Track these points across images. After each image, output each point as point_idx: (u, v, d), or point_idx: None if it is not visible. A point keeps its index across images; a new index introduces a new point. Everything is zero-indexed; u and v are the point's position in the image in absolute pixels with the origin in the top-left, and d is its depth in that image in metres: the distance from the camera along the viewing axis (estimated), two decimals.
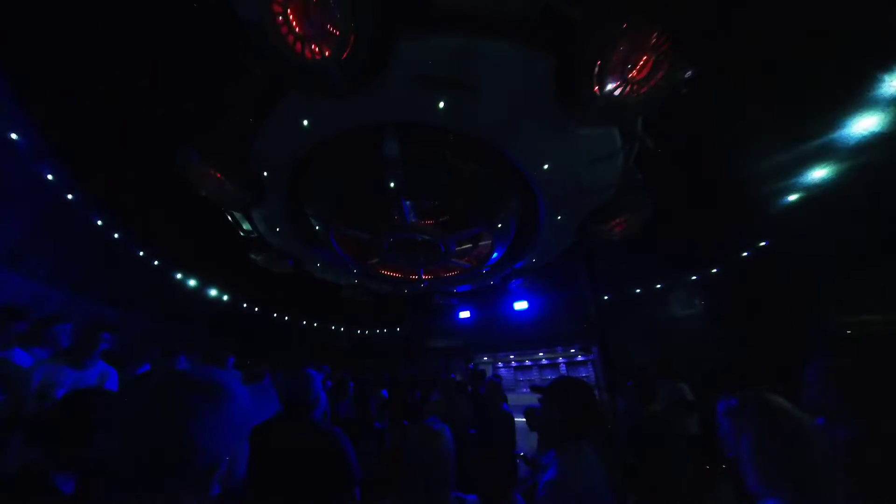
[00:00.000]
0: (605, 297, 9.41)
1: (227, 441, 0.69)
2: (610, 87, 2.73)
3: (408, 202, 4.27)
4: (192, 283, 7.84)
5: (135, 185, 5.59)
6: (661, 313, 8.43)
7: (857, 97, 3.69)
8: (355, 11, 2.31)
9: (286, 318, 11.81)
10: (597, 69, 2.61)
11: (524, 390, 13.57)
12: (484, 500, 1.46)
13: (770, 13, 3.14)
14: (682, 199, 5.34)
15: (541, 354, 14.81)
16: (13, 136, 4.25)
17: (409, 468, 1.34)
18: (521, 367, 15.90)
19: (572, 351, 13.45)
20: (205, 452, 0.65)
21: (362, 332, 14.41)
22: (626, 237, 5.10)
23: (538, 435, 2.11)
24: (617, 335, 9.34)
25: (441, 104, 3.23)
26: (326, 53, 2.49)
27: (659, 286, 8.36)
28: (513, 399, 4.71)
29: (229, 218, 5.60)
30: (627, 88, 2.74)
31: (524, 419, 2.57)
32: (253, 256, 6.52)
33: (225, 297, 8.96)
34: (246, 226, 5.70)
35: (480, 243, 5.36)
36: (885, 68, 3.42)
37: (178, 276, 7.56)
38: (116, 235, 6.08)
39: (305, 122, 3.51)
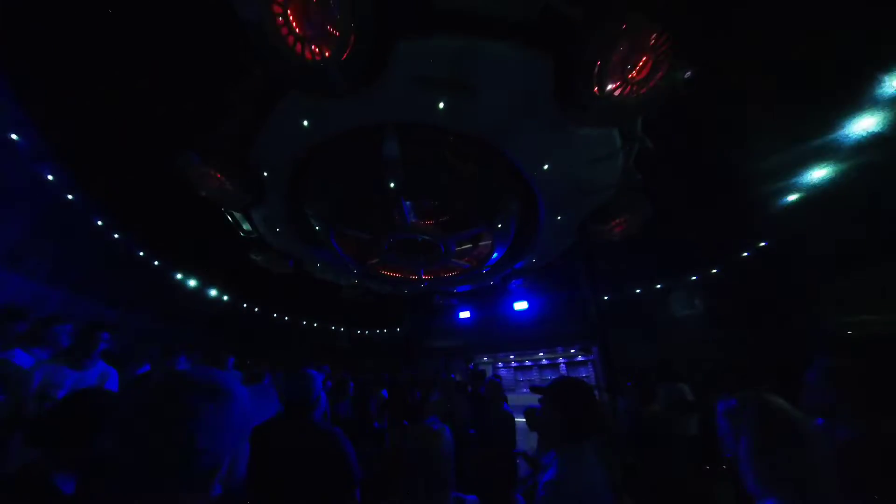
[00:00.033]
0: (605, 298, 9.42)
1: (228, 441, 0.69)
2: (610, 87, 2.73)
3: (408, 202, 4.27)
4: (192, 283, 7.84)
5: (135, 186, 5.60)
6: (661, 313, 8.43)
7: (857, 97, 3.69)
8: (355, 12, 2.31)
9: (286, 318, 11.81)
10: (596, 69, 2.61)
11: (524, 390, 13.57)
12: (484, 501, 1.46)
13: (770, 13, 3.14)
14: (682, 199, 5.35)
15: (541, 354, 14.82)
16: (13, 136, 4.25)
17: (408, 468, 1.34)
18: (521, 368, 15.90)
19: (572, 351, 13.45)
20: (205, 453, 0.65)
21: (362, 332, 14.41)
22: (625, 237, 5.11)
23: (538, 435, 2.11)
24: (617, 335, 9.34)
25: (441, 104, 3.23)
26: (326, 54, 2.49)
27: (659, 286, 8.36)
28: (513, 399, 4.71)
29: (229, 218, 5.60)
30: (627, 89, 2.74)
31: (524, 419, 2.57)
32: (253, 257, 6.52)
33: (225, 298, 8.96)
34: (246, 226, 5.71)
35: (480, 243, 5.36)
36: (886, 68, 3.42)
37: (178, 276, 7.56)
38: (116, 236, 6.08)
39: (305, 123, 3.51)
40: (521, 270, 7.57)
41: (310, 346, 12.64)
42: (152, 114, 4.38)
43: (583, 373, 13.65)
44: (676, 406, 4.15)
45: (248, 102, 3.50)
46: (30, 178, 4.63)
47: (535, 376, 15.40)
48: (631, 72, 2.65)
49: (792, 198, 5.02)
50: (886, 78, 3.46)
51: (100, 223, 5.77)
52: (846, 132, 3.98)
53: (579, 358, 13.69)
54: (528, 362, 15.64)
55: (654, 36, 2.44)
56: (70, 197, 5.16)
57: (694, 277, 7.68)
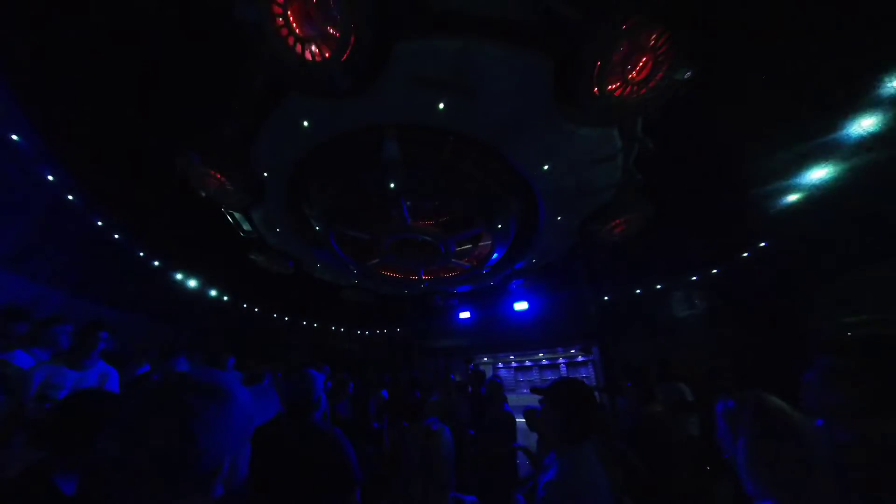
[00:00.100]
0: (606, 298, 9.42)
1: (230, 442, 0.70)
2: (610, 87, 2.73)
3: (408, 203, 4.28)
4: (192, 283, 7.84)
5: (135, 186, 5.60)
6: (661, 314, 8.42)
7: (857, 97, 3.69)
8: (356, 13, 2.31)
9: (286, 318, 11.81)
10: (596, 70, 2.62)
11: (524, 391, 13.57)
12: (485, 501, 1.46)
13: (770, 13, 3.14)
14: (681, 199, 5.35)
15: (541, 355, 14.82)
16: (14, 137, 4.25)
17: (407, 468, 1.34)
18: (521, 368, 15.90)
19: (573, 351, 13.45)
20: (207, 454, 0.65)
21: (362, 332, 14.41)
22: (626, 238, 5.11)
23: (538, 436, 2.11)
24: (617, 335, 9.34)
25: (441, 105, 3.24)
26: (326, 55, 2.50)
27: (659, 286, 8.36)
28: (513, 399, 4.71)
29: (230, 219, 5.61)
30: (627, 89, 2.74)
31: (524, 420, 2.57)
32: (253, 257, 6.53)
33: (225, 298, 8.96)
34: (246, 226, 5.72)
35: (480, 244, 5.37)
36: (886, 68, 3.42)
37: (178, 276, 7.56)
38: (117, 236, 6.08)
39: (305, 123, 3.51)
40: (522, 271, 7.58)
41: (310, 346, 12.64)
42: (153, 114, 4.38)
43: (583, 373, 13.65)
44: (676, 406, 4.15)
45: (249, 103, 3.51)
46: (30, 178, 4.63)
47: (535, 376, 15.40)
48: (631, 72, 2.66)
49: (792, 198, 5.02)
50: (886, 78, 3.46)
51: (100, 223, 5.77)
52: (846, 132, 3.98)
53: (580, 358, 13.69)
54: (528, 362, 15.64)
55: (653, 36, 2.45)
56: (70, 197, 5.16)
57: (694, 277, 7.68)
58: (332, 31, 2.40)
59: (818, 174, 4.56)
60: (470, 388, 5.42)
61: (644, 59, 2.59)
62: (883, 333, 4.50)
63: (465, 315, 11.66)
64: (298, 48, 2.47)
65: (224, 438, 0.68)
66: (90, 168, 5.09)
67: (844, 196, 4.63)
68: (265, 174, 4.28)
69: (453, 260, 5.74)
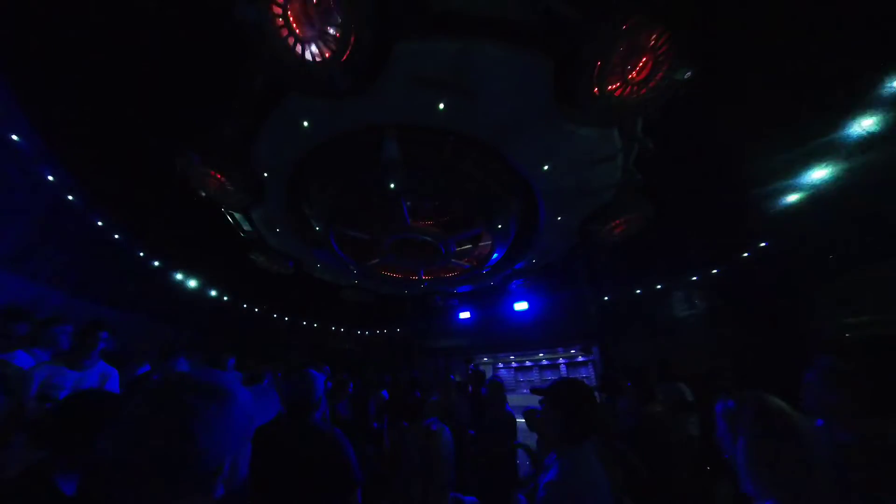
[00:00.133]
0: (606, 298, 9.42)
1: (230, 442, 0.70)
2: (610, 87, 2.73)
3: (408, 203, 4.28)
4: (192, 283, 7.84)
5: (135, 186, 5.60)
6: (661, 314, 8.42)
7: (857, 97, 3.69)
8: (356, 13, 2.31)
9: (286, 318, 11.81)
10: (596, 70, 2.62)
11: (524, 391, 13.57)
12: (485, 502, 1.46)
13: (770, 13, 3.14)
14: (681, 199, 5.35)
15: (541, 355, 14.81)
16: (14, 137, 4.25)
17: (407, 468, 1.34)
18: (521, 368, 15.89)
19: (573, 351, 13.44)
20: (208, 454, 0.65)
21: (362, 332, 14.41)
22: (626, 238, 5.11)
23: (538, 436, 2.11)
24: (617, 335, 9.34)
25: (441, 105, 3.24)
26: (326, 55, 2.50)
27: (659, 287, 8.36)
28: (513, 399, 4.71)
29: (230, 219, 5.61)
30: (627, 89, 2.74)
31: (524, 420, 2.57)
32: (253, 257, 6.53)
33: (225, 298, 8.96)
34: (247, 226, 5.72)
35: (480, 244, 5.37)
36: (886, 68, 3.42)
37: (178, 276, 7.56)
38: (117, 236, 6.08)
39: (305, 123, 3.51)
40: (522, 271, 7.58)
41: (310, 346, 12.64)
42: (153, 114, 4.38)
43: (583, 373, 13.64)
44: (676, 406, 4.15)
45: (249, 103, 3.51)
46: (30, 178, 4.63)
47: (535, 377, 15.39)
48: (631, 72, 2.66)
49: (792, 198, 5.02)
50: (886, 78, 3.46)
51: (100, 223, 5.77)
52: (846, 132, 3.98)
53: (580, 358, 13.68)
54: (528, 363, 15.63)
55: (653, 36, 2.45)
56: (70, 197, 5.16)
57: (694, 277, 7.68)
58: (332, 31, 2.40)
59: (818, 174, 4.56)
60: (470, 389, 5.42)
61: (644, 59, 2.59)
62: (883, 334, 4.50)
63: (465, 315, 11.66)
64: (298, 48, 2.47)
65: (225, 438, 0.68)
66: (90, 168, 5.09)
67: (844, 196, 4.63)
68: (265, 174, 4.28)
69: (453, 260, 5.74)
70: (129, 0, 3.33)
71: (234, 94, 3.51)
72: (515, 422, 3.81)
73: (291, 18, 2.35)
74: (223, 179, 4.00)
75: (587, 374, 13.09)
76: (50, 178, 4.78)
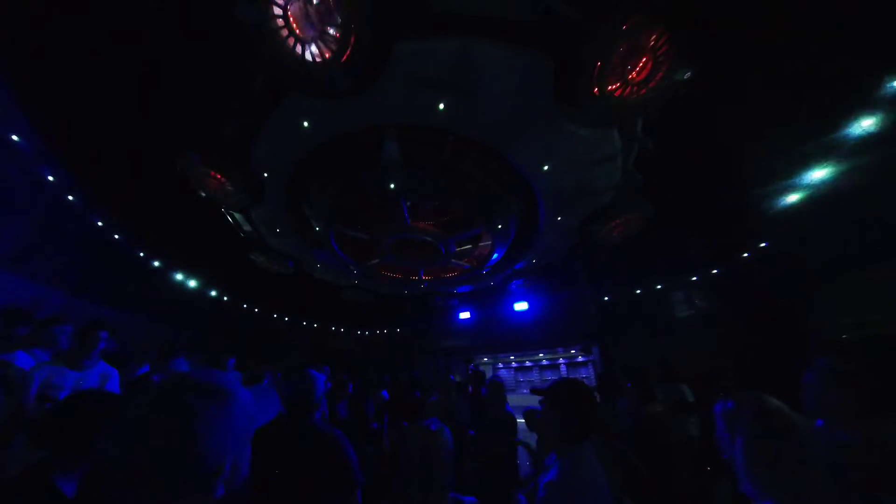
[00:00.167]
0: (606, 298, 9.42)
1: (231, 443, 0.70)
2: (609, 88, 2.73)
3: (408, 203, 4.28)
4: (192, 283, 7.83)
5: (135, 186, 5.60)
6: (661, 314, 8.42)
7: (857, 97, 3.69)
8: (355, 13, 2.31)
9: (286, 318, 11.80)
10: (596, 70, 2.62)
11: (524, 391, 13.57)
12: (484, 501, 1.46)
13: (770, 13, 3.14)
14: (681, 199, 5.35)
15: (541, 355, 14.81)
16: (14, 137, 4.25)
17: (407, 469, 1.34)
18: (521, 368, 15.89)
19: (573, 351, 13.45)
20: (209, 454, 0.65)
21: (362, 332, 14.41)
22: (626, 238, 5.11)
23: (538, 436, 2.11)
24: (617, 335, 9.34)
25: (441, 105, 3.24)
26: (326, 55, 2.50)
27: (659, 287, 8.36)
28: (513, 400, 4.71)
29: (230, 219, 5.61)
30: (627, 89, 2.74)
31: (524, 420, 2.57)
32: (253, 258, 6.53)
33: (225, 298, 8.96)
34: (247, 227, 5.72)
35: (480, 244, 5.37)
36: (886, 68, 3.42)
37: (179, 276, 7.55)
38: (117, 236, 6.08)
39: (305, 124, 3.51)
40: (522, 271, 7.58)
41: (310, 346, 12.63)
42: (153, 114, 4.38)
43: (583, 373, 13.64)
44: (676, 406, 4.16)
45: (248, 103, 3.51)
46: (30, 178, 4.63)
47: (535, 377, 15.39)
48: (631, 72, 2.66)
49: (792, 198, 5.02)
50: (886, 78, 3.46)
51: (100, 224, 5.77)
52: (846, 132, 3.98)
53: (580, 358, 13.68)
54: (528, 363, 15.63)
55: (653, 36, 2.45)
56: (70, 197, 5.16)
57: (694, 278, 7.68)
58: (332, 31, 2.40)
59: (818, 174, 4.56)
60: (470, 389, 5.42)
61: (644, 59, 2.59)
62: (882, 334, 4.50)
63: (465, 315, 11.66)
64: (298, 49, 2.47)
65: (225, 439, 0.69)
66: (90, 168, 5.09)
67: (844, 196, 4.63)
68: (265, 174, 4.28)
69: (453, 260, 5.74)
70: (129, 0, 3.33)
71: (234, 94, 3.51)
72: (516, 422, 3.81)
73: (291, 19, 2.36)
74: (223, 179, 4.00)
75: (587, 375, 13.09)
76: (50, 178, 4.78)
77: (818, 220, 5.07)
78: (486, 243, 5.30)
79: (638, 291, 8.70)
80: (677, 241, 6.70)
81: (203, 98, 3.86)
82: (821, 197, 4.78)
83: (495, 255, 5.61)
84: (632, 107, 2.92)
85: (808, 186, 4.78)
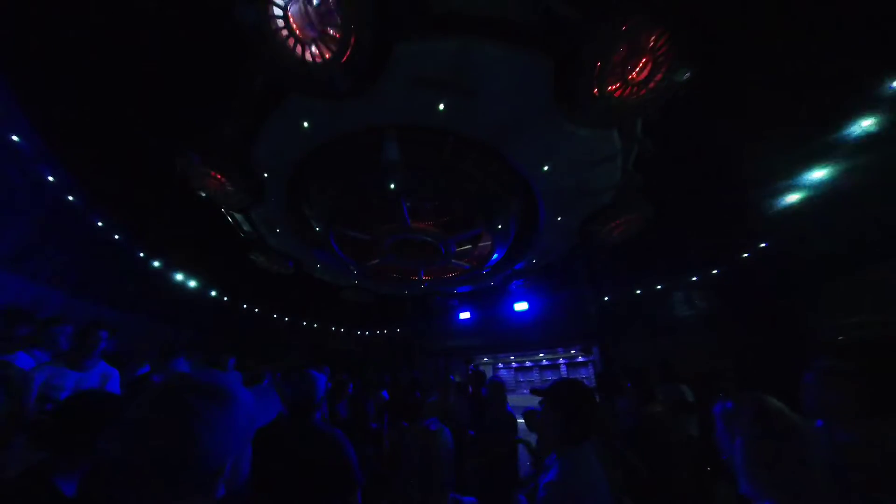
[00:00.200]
0: (606, 298, 9.42)
1: (232, 443, 0.70)
2: (609, 88, 2.73)
3: (408, 203, 4.28)
4: (192, 284, 7.84)
5: (136, 187, 5.60)
6: (661, 314, 8.42)
7: (857, 97, 3.69)
8: (355, 14, 2.31)
9: (286, 318, 11.80)
10: (596, 71, 2.62)
11: (524, 391, 13.57)
12: (485, 502, 1.46)
13: (770, 13, 3.14)
14: (681, 199, 5.35)
15: (541, 355, 14.80)
16: (14, 137, 4.25)
17: (406, 468, 1.34)
18: (521, 368, 15.89)
19: (573, 352, 13.45)
20: (210, 455, 0.65)
21: (362, 332, 14.41)
22: (626, 238, 5.12)
23: (538, 437, 2.11)
24: (617, 336, 9.34)
25: (441, 106, 3.24)
26: (327, 56, 2.50)
27: (659, 287, 8.36)
28: (513, 400, 4.72)
29: (230, 220, 5.61)
30: (627, 90, 2.74)
31: (524, 421, 2.57)
32: (253, 258, 6.54)
33: (225, 298, 8.96)
34: (247, 227, 5.72)
35: (480, 244, 5.37)
36: (885, 68, 3.42)
37: (179, 277, 7.56)
38: (117, 236, 6.08)
39: (305, 124, 3.51)
40: (522, 271, 7.58)
41: (310, 346, 12.63)
42: (153, 114, 4.38)
43: (583, 373, 13.64)
44: (676, 406, 4.16)
45: (248, 103, 3.51)
46: (30, 179, 4.63)
47: (535, 377, 15.39)
48: (631, 73, 2.66)
49: (792, 198, 5.02)
50: (886, 78, 3.46)
51: (100, 224, 5.77)
52: (846, 132, 3.98)
53: (580, 358, 13.68)
54: (528, 363, 15.63)
55: (653, 37, 2.45)
56: (70, 198, 5.16)
57: (694, 278, 7.68)
58: (332, 32, 2.40)
59: (818, 174, 4.56)
60: (470, 389, 5.41)
61: (644, 59, 2.59)
62: (882, 335, 4.50)
63: (465, 315, 11.66)
64: (299, 49, 2.47)
65: (226, 439, 0.69)
66: (90, 168, 5.09)
67: (844, 196, 4.63)
68: (265, 175, 4.28)
69: (453, 260, 5.74)
70: (129, 0, 3.33)
71: (234, 94, 3.51)
72: (516, 421, 3.81)
73: (291, 19, 2.36)
74: (223, 180, 4.00)
75: (587, 375, 13.10)
76: (50, 178, 4.78)
77: (818, 220, 5.07)
78: (486, 243, 5.30)
79: (638, 291, 8.70)
80: (677, 241, 6.70)
81: (203, 98, 3.86)
82: (821, 197, 4.78)
83: (495, 256, 5.61)
84: (632, 107, 2.92)
85: (808, 186, 4.78)
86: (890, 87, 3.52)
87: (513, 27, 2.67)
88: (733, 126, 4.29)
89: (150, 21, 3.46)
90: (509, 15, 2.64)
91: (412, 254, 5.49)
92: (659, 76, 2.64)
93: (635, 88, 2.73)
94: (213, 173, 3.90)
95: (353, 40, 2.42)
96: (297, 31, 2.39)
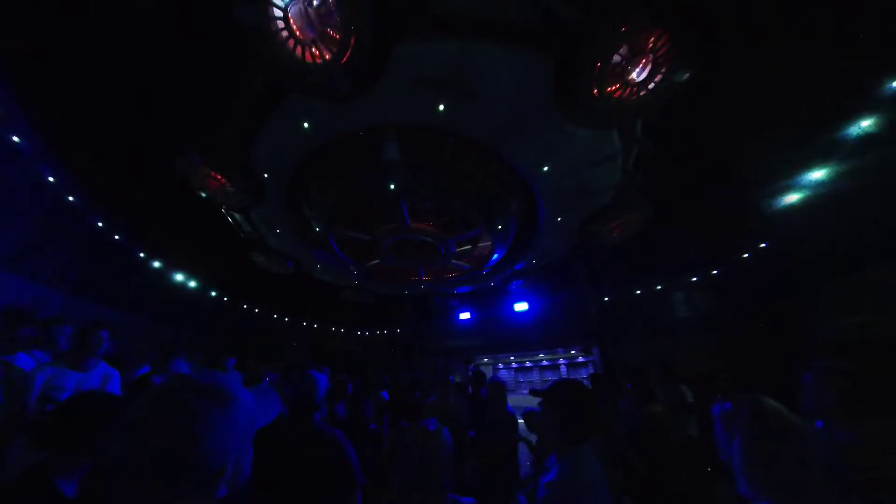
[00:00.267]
0: (606, 299, 9.42)
1: (233, 443, 0.70)
2: (609, 89, 2.73)
3: (407, 203, 4.28)
4: (192, 284, 7.84)
5: (135, 186, 5.60)
6: (661, 314, 8.43)
7: (857, 97, 3.69)
8: (355, 15, 2.31)
9: (286, 318, 11.80)
10: (596, 71, 2.62)
11: (524, 391, 13.57)
12: (484, 502, 1.46)
13: (770, 13, 3.14)
14: (681, 199, 5.35)
15: (541, 355, 14.80)
16: (14, 137, 4.25)
17: (405, 469, 1.34)
18: (521, 369, 15.88)
19: (573, 352, 13.45)
20: (211, 455, 0.65)
21: (362, 333, 14.40)
22: (625, 238, 5.12)
23: (538, 437, 2.11)
24: (617, 336, 9.34)
25: (441, 106, 3.24)
26: (327, 57, 2.50)
27: (659, 287, 8.36)
28: (513, 400, 4.72)
29: (230, 219, 5.61)
30: (626, 90, 2.74)
31: (524, 421, 2.57)
32: (254, 258, 6.54)
33: (225, 298, 8.96)
34: (247, 227, 5.72)
35: (480, 244, 5.37)
36: (885, 68, 3.42)
37: (179, 277, 7.56)
38: (117, 237, 6.08)
39: (306, 124, 3.51)
40: (522, 271, 7.58)
41: (310, 346, 12.63)
42: (153, 114, 4.38)
43: (584, 374, 13.63)
44: (676, 407, 4.16)
45: (248, 103, 3.50)
46: (30, 179, 4.63)
47: (535, 377, 15.39)
48: (630, 73, 2.66)
49: (792, 198, 5.02)
50: (886, 78, 3.46)
51: (100, 224, 5.77)
52: (846, 132, 3.98)
53: (580, 359, 13.68)
54: (528, 363, 15.62)
55: (653, 38, 2.45)
56: (70, 198, 5.16)
57: (694, 278, 7.68)
58: (332, 33, 2.40)
59: (818, 174, 4.56)
60: (470, 389, 5.41)
61: (644, 60, 2.59)
62: (882, 335, 4.50)
63: (465, 316, 11.66)
64: (299, 50, 2.47)
65: (227, 440, 0.69)
66: (90, 168, 5.09)
67: (844, 196, 4.63)
68: (265, 175, 4.28)
69: (453, 261, 5.74)
70: (129, 0, 3.33)
71: (234, 94, 3.51)
72: (517, 421, 3.81)
73: (291, 20, 2.36)
74: (223, 180, 4.00)
75: (587, 375, 13.09)
76: (50, 178, 4.78)
77: (818, 220, 5.07)
78: (485, 244, 5.30)
79: (638, 292, 8.70)
80: (677, 241, 6.70)
81: (203, 98, 3.86)
82: (820, 197, 4.78)
83: (495, 256, 5.61)
84: (631, 108, 2.92)
85: (808, 186, 4.78)
86: (890, 87, 3.52)
87: (513, 28, 2.67)
88: (733, 126, 4.29)
89: (150, 21, 3.46)
90: (509, 15, 2.64)
91: (412, 254, 5.49)
92: (659, 77, 2.64)
93: (635, 89, 2.73)
94: (213, 173, 3.90)
95: (353, 41, 2.42)
96: (297, 32, 2.39)
